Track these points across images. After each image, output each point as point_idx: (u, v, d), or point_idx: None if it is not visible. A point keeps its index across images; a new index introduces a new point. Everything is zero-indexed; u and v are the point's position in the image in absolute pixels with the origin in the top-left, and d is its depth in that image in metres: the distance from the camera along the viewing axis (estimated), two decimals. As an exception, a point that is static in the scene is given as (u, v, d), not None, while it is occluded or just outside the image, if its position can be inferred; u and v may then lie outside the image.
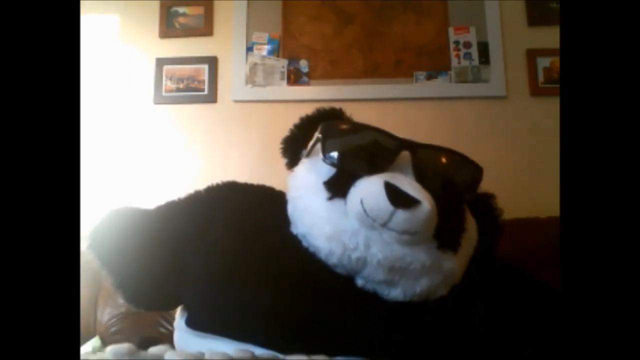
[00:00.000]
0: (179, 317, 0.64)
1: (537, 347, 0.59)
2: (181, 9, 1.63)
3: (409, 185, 0.55)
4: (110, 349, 0.40)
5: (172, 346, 0.60)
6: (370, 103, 1.51)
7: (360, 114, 0.71)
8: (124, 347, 0.40)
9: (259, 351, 0.48)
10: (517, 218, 1.14)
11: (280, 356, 0.48)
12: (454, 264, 0.58)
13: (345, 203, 0.57)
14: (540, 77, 1.51)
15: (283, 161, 0.72)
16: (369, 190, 0.55)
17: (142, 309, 0.70)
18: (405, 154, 0.59)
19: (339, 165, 0.60)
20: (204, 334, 0.56)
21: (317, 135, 0.64)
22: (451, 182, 0.62)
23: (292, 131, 0.70)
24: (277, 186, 0.72)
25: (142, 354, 0.41)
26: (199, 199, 0.70)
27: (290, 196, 0.64)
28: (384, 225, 0.54)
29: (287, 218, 0.62)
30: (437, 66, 1.54)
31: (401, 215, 0.53)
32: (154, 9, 1.63)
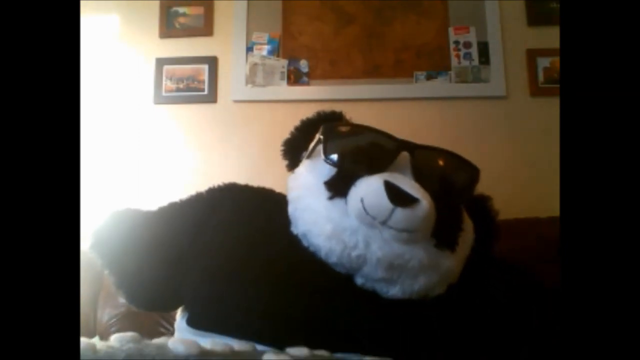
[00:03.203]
0: (179, 317, 0.65)
1: (533, 347, 0.59)
2: (181, 9, 1.63)
3: (407, 184, 0.56)
4: (115, 336, 0.41)
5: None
6: (370, 103, 1.50)
7: (360, 114, 0.71)
8: (129, 335, 0.41)
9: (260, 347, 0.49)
10: (517, 218, 1.14)
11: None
12: (451, 262, 0.59)
13: (346, 202, 0.57)
14: (540, 77, 1.50)
15: (283, 161, 0.73)
16: (369, 189, 0.56)
17: (143, 309, 0.71)
18: (405, 155, 0.61)
19: (340, 165, 0.61)
20: (205, 332, 0.56)
21: (318, 136, 0.65)
22: (449, 183, 0.63)
23: (292, 134, 0.71)
24: (277, 186, 0.73)
25: (146, 341, 0.41)
26: (200, 201, 0.70)
27: (291, 196, 0.64)
28: (384, 223, 0.55)
29: (287, 219, 0.63)
30: (437, 66, 1.53)
31: (400, 213, 0.54)
32: (154, 9, 1.62)
